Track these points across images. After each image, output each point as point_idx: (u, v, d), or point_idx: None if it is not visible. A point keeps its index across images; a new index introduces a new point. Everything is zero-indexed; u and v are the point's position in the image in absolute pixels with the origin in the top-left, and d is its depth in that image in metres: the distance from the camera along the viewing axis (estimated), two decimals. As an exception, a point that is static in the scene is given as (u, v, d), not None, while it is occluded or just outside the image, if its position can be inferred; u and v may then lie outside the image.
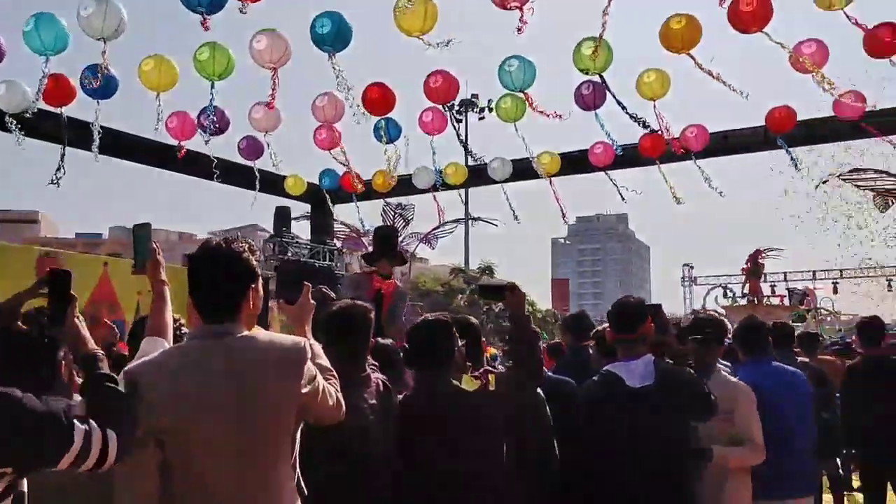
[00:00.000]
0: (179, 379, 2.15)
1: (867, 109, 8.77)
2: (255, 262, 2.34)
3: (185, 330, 3.79)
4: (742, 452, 3.87)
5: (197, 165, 9.81)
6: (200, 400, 2.12)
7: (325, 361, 2.51)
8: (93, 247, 58.08)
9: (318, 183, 12.25)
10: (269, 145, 9.46)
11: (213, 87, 7.80)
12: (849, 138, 11.35)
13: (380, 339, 3.65)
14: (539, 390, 3.62)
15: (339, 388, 2.47)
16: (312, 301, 2.70)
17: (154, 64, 7.72)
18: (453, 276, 49.30)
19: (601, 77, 7.94)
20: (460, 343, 3.40)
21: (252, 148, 10.08)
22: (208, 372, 2.16)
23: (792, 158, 9.45)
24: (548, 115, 8.36)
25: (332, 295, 3.25)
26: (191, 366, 2.18)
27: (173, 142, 9.18)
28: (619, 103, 8.19)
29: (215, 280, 2.26)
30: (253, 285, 2.33)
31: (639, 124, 8.66)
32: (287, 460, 2.28)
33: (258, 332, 2.35)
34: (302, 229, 22.04)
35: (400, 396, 3.35)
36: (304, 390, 2.25)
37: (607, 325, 3.99)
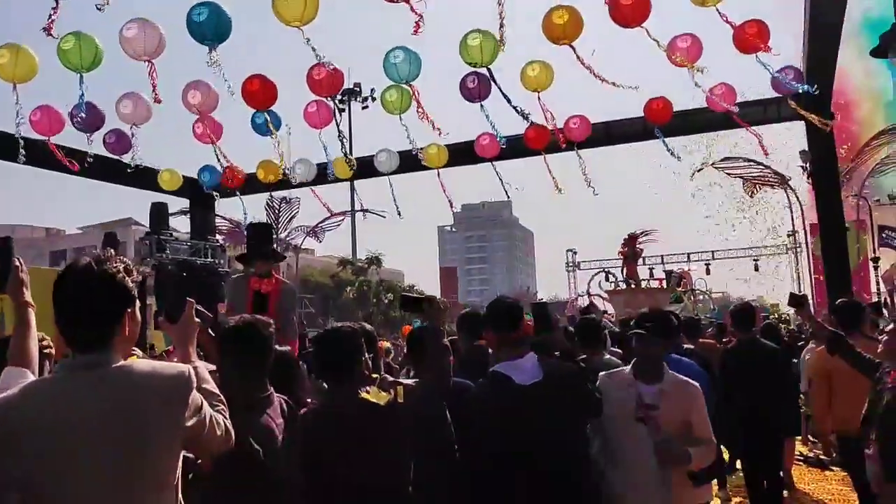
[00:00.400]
0: (45, 418, 1.89)
1: (737, 101, 9.25)
2: (131, 284, 2.08)
3: (52, 350, 3.45)
4: (704, 452, 3.71)
5: (56, 159, 9.12)
6: (71, 440, 1.88)
7: (212, 386, 2.31)
8: (-53, 246, 54.06)
9: (195, 177, 11.82)
10: (133, 135, 8.90)
11: (81, 79, 7.29)
12: (721, 128, 11.93)
13: (276, 347, 3.48)
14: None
15: (227, 416, 2.27)
16: (197, 319, 2.50)
17: (9, 55, 7.15)
18: (341, 268, 48.82)
19: (488, 70, 7.94)
20: (367, 354, 3.31)
21: (119, 142, 9.54)
22: (79, 409, 1.91)
23: (668, 148, 9.79)
24: (431, 122, 8.38)
25: (209, 315, 3.05)
26: (59, 402, 1.92)
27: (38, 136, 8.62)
28: (505, 96, 8.23)
29: (86, 306, 1.99)
30: (129, 309, 2.08)
31: (522, 117, 8.73)
32: (170, 491, 2.07)
33: (136, 362, 2.12)
34: (182, 223, 21.20)
35: (303, 410, 3.22)
36: (189, 423, 2.05)
37: None
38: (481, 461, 3.36)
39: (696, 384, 3.86)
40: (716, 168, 26.22)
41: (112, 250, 2.08)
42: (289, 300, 6.72)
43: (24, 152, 8.25)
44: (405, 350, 7.27)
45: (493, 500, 3.34)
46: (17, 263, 2.43)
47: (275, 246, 7.52)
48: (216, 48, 6.60)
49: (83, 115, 7.79)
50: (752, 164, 25.72)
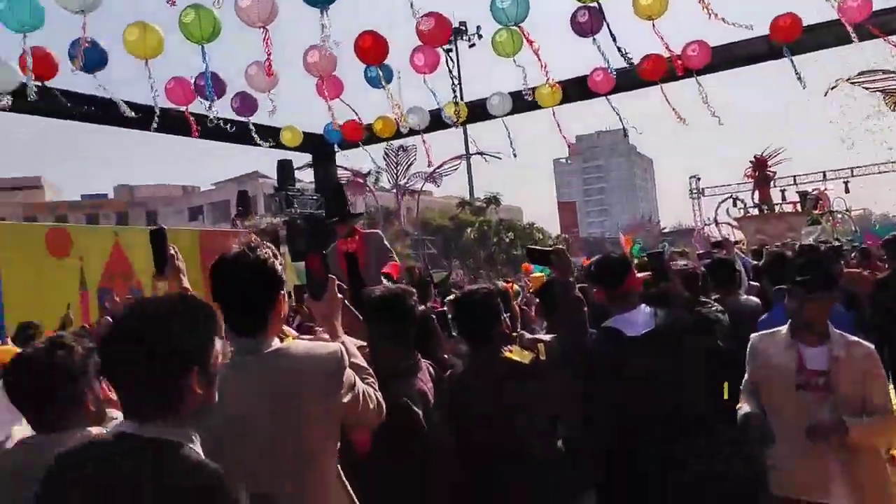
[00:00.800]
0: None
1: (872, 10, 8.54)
2: (279, 268, 2.20)
3: None
4: (881, 425, 3.16)
5: (184, 124, 9.61)
6: (233, 424, 1.99)
7: (360, 360, 2.41)
8: (99, 207, 58.32)
9: (316, 132, 12.19)
10: (271, 101, 9.20)
11: (203, 50, 7.61)
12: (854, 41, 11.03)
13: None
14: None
15: (377, 388, 2.38)
16: (339, 295, 2.60)
17: (138, 33, 7.53)
18: (460, 210, 49.15)
19: (598, 4, 7.70)
20: (505, 314, 3.35)
21: (246, 105, 9.94)
22: (241, 392, 2.03)
23: (796, 72, 9.19)
24: (544, 67, 8.26)
25: (348, 288, 3.18)
26: (223, 387, 1.96)
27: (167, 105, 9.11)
28: (612, 34, 7.96)
29: (242, 293, 2.12)
30: (281, 293, 2.21)
31: (625, 60, 8.44)
32: (330, 466, 2.21)
33: (291, 344, 2.23)
34: (307, 174, 21.85)
35: (448, 373, 3.32)
36: (345, 399, 2.16)
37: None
38: (604, 416, 3.37)
39: (871, 345, 3.30)
40: (852, 83, 24.27)
41: (259, 238, 2.21)
42: (376, 247, 6.93)
43: (157, 121, 8.77)
44: (532, 295, 7.34)
45: (621, 454, 3.34)
46: (173, 252, 2.61)
47: (349, 207, 7.73)
48: (328, 10, 6.70)
49: (212, 86, 8.15)
50: (891, 74, 23.71)
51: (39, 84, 7.59)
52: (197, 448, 1.69)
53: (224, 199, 55.37)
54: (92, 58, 7.34)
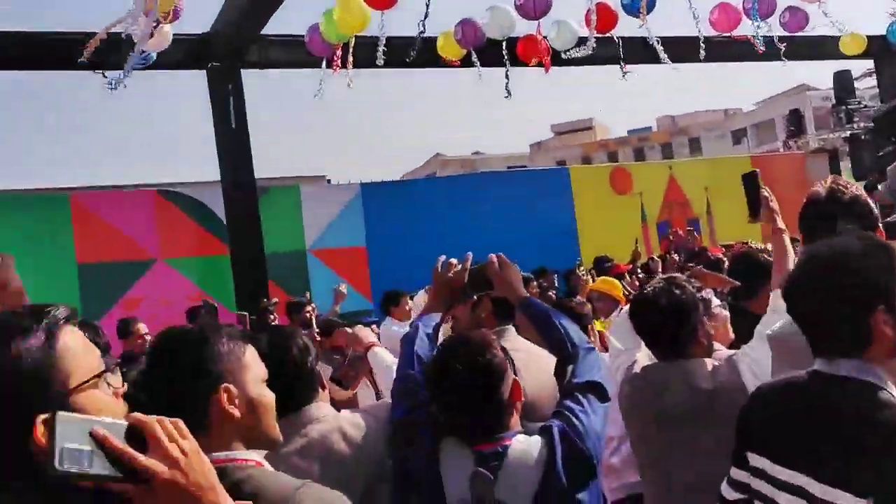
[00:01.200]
0: None
1: None
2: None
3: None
4: None
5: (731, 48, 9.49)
6: None
7: None
8: (644, 140, 61.31)
9: (878, 34, 10.89)
10: (824, 14, 8.57)
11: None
12: None
13: None
14: None
15: None
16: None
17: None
18: None
19: None
20: None
21: (796, 21, 9.43)
22: None
23: None
24: None
25: None
26: None
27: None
28: None
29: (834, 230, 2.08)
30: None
31: None
32: None
33: None
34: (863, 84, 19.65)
35: None
36: None
37: None
38: None
39: None
40: None
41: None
42: None
43: (703, 50, 8.88)
44: None
45: None
46: (766, 193, 2.65)
47: None
48: None
49: (757, 7, 7.93)
50: None
51: (598, 35, 8.33)
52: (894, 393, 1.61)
53: (768, 118, 52.88)
54: (649, 4, 7.77)
